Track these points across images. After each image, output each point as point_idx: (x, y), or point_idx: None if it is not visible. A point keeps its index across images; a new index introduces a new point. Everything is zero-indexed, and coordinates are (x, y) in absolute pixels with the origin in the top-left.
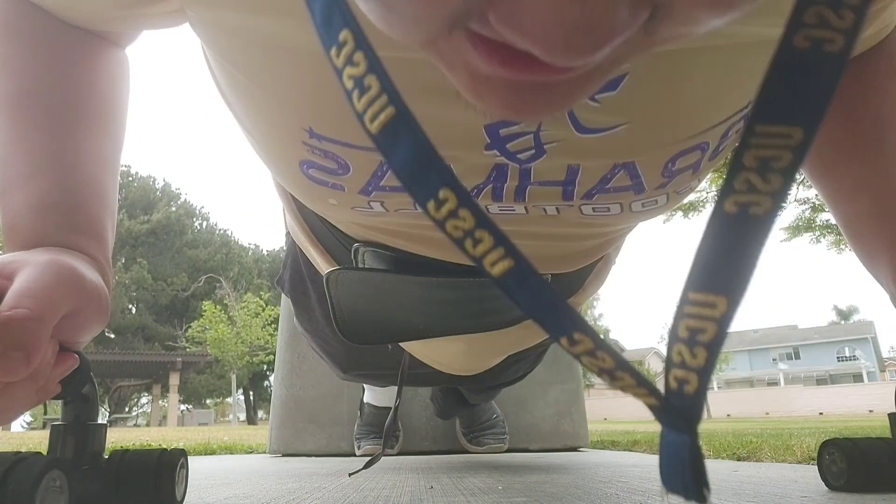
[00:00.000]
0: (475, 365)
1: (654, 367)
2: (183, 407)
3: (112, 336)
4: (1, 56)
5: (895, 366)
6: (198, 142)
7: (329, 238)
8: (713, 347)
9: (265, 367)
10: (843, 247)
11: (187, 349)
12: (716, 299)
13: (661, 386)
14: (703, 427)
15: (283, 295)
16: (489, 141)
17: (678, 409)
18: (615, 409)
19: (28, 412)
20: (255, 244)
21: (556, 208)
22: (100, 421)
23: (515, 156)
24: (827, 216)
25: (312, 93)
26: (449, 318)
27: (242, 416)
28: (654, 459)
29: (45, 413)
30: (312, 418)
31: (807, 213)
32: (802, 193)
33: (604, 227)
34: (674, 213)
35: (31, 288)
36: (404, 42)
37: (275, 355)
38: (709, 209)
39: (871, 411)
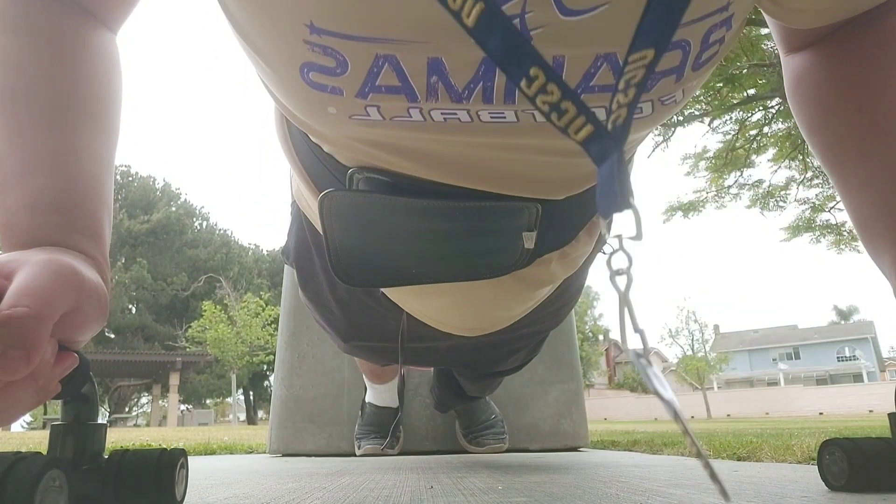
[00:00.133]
0: (470, 322)
1: (654, 367)
2: (183, 407)
3: (112, 336)
4: None
5: (895, 366)
6: (198, 142)
7: (326, 177)
8: (640, 86)
9: (265, 367)
10: (842, 247)
11: (187, 349)
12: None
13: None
14: (704, 427)
15: (282, 295)
16: None
17: (611, 135)
18: (615, 409)
19: (28, 412)
20: (255, 244)
21: None
22: (100, 421)
23: None
24: (827, 216)
25: None
26: (442, 259)
27: (242, 416)
28: (655, 459)
29: (45, 413)
30: (312, 418)
31: (807, 213)
32: (802, 193)
33: None
34: (673, 213)
35: (29, 287)
36: None
37: (275, 355)
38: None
39: (871, 411)
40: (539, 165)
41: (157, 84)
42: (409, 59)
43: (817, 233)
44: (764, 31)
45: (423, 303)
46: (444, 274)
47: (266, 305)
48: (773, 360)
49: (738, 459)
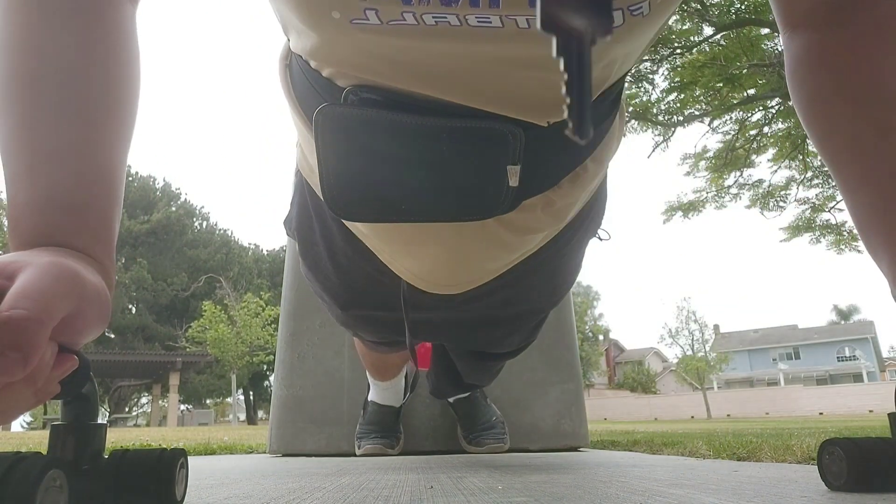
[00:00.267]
0: (459, 275)
1: (655, 367)
2: (183, 407)
3: (112, 336)
4: (6, 24)
5: (895, 366)
6: (198, 142)
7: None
8: None
9: (265, 367)
10: (842, 247)
11: (187, 349)
12: None
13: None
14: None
15: (282, 295)
16: None
17: None
18: (615, 409)
19: (28, 412)
20: (255, 244)
21: (527, 20)
22: (100, 421)
23: None
24: (827, 216)
25: None
26: (429, 191)
27: (242, 416)
28: (655, 459)
29: (45, 413)
30: (312, 418)
31: (807, 213)
32: (802, 193)
33: None
34: (673, 213)
35: (30, 289)
36: None
37: (275, 355)
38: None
39: (871, 411)
40: (524, 80)
41: (157, 84)
42: None
43: (817, 233)
44: (764, 31)
45: (414, 257)
46: (432, 210)
47: (266, 305)
48: (773, 360)
49: (739, 459)
